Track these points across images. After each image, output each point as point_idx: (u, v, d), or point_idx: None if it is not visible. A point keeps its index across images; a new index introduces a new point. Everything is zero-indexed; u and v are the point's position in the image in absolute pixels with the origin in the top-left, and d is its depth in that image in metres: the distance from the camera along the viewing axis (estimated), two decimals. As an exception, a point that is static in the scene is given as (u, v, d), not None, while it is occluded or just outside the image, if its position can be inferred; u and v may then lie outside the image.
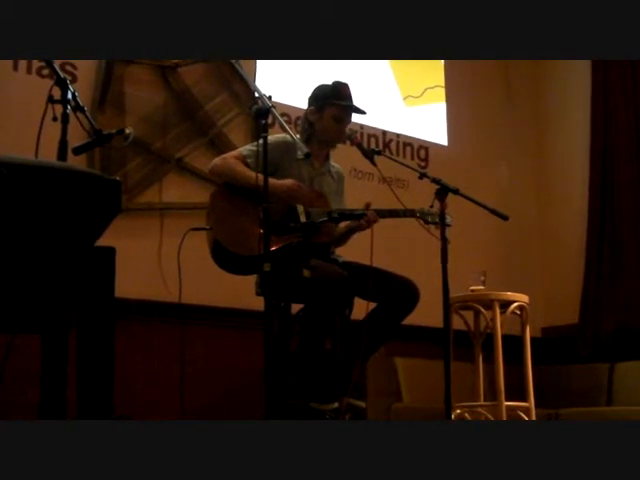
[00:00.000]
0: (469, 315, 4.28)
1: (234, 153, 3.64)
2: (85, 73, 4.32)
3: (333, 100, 3.64)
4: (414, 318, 3.60)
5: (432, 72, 6.01)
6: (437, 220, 3.33)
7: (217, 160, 3.63)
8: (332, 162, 3.83)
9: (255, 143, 3.37)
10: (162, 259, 4.32)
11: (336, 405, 3.38)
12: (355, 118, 3.83)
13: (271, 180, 3.26)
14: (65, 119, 2.51)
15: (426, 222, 3.60)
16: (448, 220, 3.46)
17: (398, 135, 5.68)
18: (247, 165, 3.46)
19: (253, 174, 3.16)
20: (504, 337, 4.08)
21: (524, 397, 4.10)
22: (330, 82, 3.74)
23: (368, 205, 3.58)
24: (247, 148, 3.57)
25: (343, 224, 3.67)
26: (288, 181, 3.48)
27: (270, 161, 3.01)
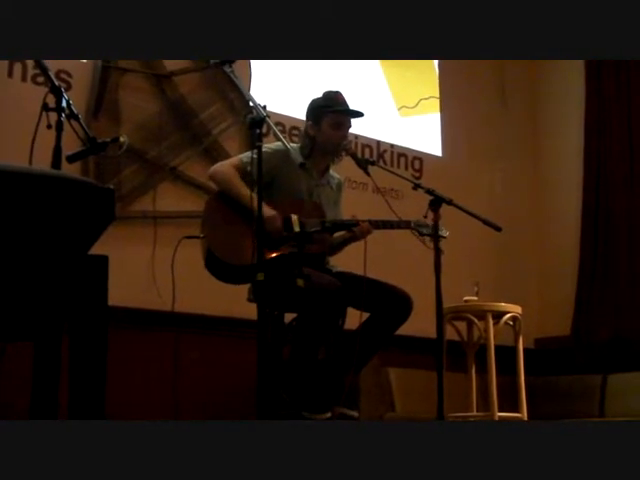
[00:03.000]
0: (462, 326, 4.29)
1: (234, 161, 3.64)
2: (80, 81, 4.31)
3: (327, 109, 3.66)
4: (407, 328, 3.60)
5: (427, 83, 6.03)
6: (432, 232, 3.34)
7: (218, 167, 3.64)
8: (332, 172, 3.84)
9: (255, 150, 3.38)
10: (155, 267, 4.31)
11: (329, 415, 3.38)
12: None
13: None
14: (59, 127, 2.51)
15: (421, 234, 3.61)
16: (443, 232, 3.47)
17: (392, 145, 5.69)
18: (247, 173, 3.43)
19: (247, 191, 3.19)
20: (497, 348, 4.08)
21: (517, 408, 4.11)
22: (322, 94, 3.77)
23: (355, 217, 3.59)
24: (247, 155, 3.54)
25: (338, 234, 3.67)
26: (271, 213, 3.44)
27: (268, 170, 3.01)
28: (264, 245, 2.73)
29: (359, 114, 3.74)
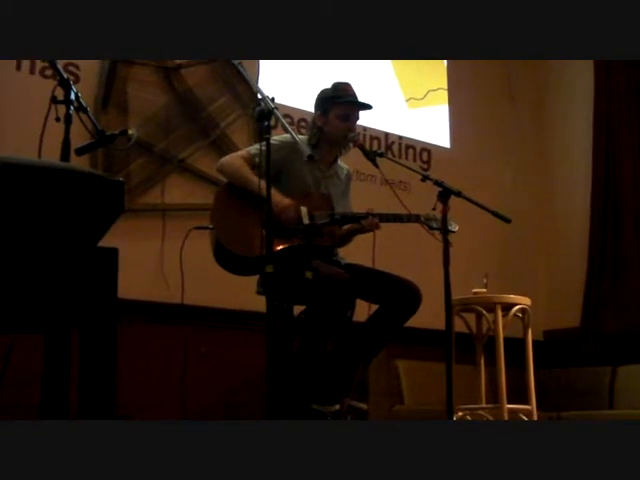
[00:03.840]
0: (471, 317, 4.28)
1: (242, 153, 3.64)
2: (88, 74, 4.32)
3: (335, 100, 3.66)
4: (416, 320, 3.60)
5: (435, 74, 6.01)
6: (441, 227, 3.33)
7: (225, 159, 3.64)
8: (340, 163, 3.83)
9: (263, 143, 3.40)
10: (164, 260, 4.33)
11: (338, 407, 3.38)
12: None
13: (273, 192, 3.28)
14: (68, 120, 2.52)
15: (430, 228, 3.60)
16: (453, 227, 3.47)
17: (400, 137, 5.68)
18: (255, 165, 3.45)
19: (257, 180, 3.18)
20: (506, 340, 4.07)
21: (526, 400, 4.10)
22: (331, 85, 3.76)
23: (370, 211, 3.59)
24: (256, 147, 3.55)
25: (346, 226, 3.67)
26: (287, 202, 3.45)
27: (276, 162, 3.01)
28: (273, 236, 2.73)
29: (367, 106, 3.73)
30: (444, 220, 3.25)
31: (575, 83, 6.44)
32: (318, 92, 3.76)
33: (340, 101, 3.65)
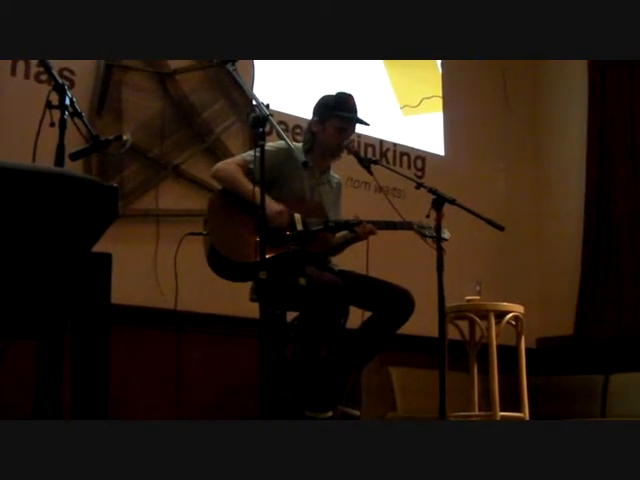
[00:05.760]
0: (464, 325, 4.28)
1: (237, 159, 3.64)
2: (83, 79, 4.31)
3: (337, 111, 3.64)
4: (409, 327, 3.60)
5: (429, 82, 6.02)
6: (434, 234, 3.33)
7: (220, 165, 3.64)
8: (332, 172, 3.84)
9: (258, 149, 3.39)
10: (158, 266, 4.32)
11: (330, 414, 3.38)
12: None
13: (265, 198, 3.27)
14: (63, 125, 2.51)
15: (423, 235, 3.60)
16: (445, 235, 3.47)
17: (395, 145, 5.69)
18: (249, 171, 3.45)
19: (251, 187, 3.17)
20: (499, 347, 4.08)
21: (519, 408, 4.10)
22: (334, 93, 3.74)
23: (356, 218, 3.59)
24: (250, 154, 3.54)
25: (340, 234, 3.67)
26: (279, 207, 3.45)
27: (270, 168, 3.01)
28: (266, 242, 2.73)
29: (365, 123, 3.75)
30: (438, 228, 3.26)
31: (570, 90, 6.45)
32: (320, 97, 3.73)
33: (339, 115, 3.64)
